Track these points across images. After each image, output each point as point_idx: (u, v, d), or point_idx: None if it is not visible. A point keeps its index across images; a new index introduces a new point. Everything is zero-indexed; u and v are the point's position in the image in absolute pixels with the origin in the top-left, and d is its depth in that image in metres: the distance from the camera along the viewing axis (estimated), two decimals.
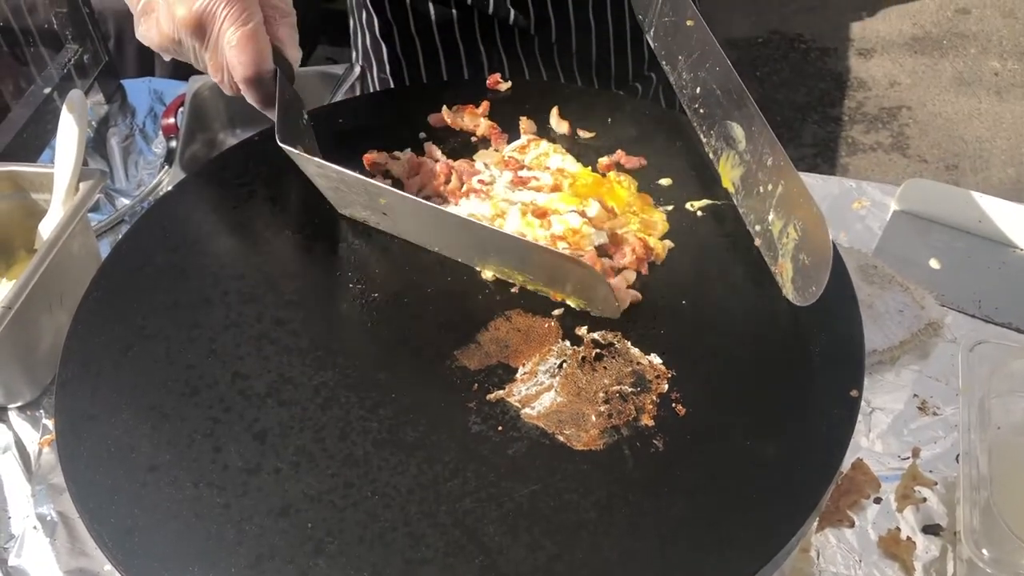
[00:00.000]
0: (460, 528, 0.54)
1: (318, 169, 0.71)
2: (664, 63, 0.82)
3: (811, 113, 2.76)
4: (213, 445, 0.59)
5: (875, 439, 0.86)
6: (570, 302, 0.67)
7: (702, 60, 0.76)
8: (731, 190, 0.74)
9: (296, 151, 0.69)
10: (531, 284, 0.69)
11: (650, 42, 0.85)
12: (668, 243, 0.72)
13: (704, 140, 0.77)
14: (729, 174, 0.74)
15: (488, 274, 0.70)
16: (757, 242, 0.70)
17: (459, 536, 0.54)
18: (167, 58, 0.74)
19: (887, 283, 0.96)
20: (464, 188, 0.75)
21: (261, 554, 0.54)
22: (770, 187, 0.68)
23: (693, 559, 0.53)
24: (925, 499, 0.81)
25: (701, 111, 0.77)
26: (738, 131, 0.72)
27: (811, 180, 1.11)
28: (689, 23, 0.79)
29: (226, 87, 0.72)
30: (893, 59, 2.96)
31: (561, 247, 0.69)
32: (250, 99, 0.72)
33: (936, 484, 0.82)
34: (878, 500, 0.82)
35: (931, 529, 0.79)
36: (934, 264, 1.01)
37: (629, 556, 0.53)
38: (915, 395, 0.89)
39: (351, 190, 0.71)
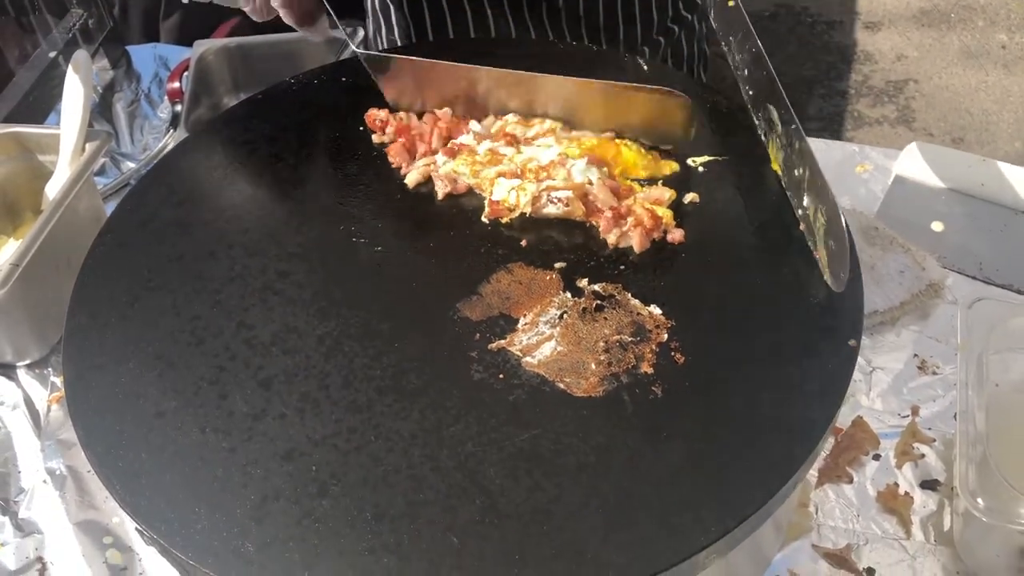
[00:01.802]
0: (462, 471, 0.55)
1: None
2: (723, 44, 0.83)
3: (817, 87, 2.75)
4: (219, 392, 0.60)
5: (875, 397, 0.87)
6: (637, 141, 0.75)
7: (744, 41, 0.76)
8: (779, 172, 0.74)
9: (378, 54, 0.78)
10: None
11: (712, 22, 0.85)
12: (671, 212, 0.72)
13: (756, 123, 0.77)
14: (776, 156, 0.74)
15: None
16: (801, 227, 0.70)
17: (461, 479, 0.55)
18: None
19: (889, 245, 0.96)
20: (448, 145, 0.76)
21: (266, 496, 0.55)
22: (801, 170, 0.69)
23: (690, 501, 0.54)
24: (923, 455, 0.82)
25: (751, 92, 0.77)
26: (775, 114, 0.73)
27: (815, 144, 1.10)
28: (731, 3, 0.79)
29: (258, 13, 0.79)
30: (900, 32, 2.94)
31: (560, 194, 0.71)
32: (287, 19, 0.80)
33: (935, 441, 0.83)
34: (877, 457, 0.82)
35: (929, 484, 0.80)
36: (936, 227, 1.01)
37: (627, 498, 0.54)
38: (915, 355, 0.90)
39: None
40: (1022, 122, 2.57)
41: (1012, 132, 2.55)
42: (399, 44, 1.11)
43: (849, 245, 0.63)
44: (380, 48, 1.14)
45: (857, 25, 2.99)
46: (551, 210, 0.71)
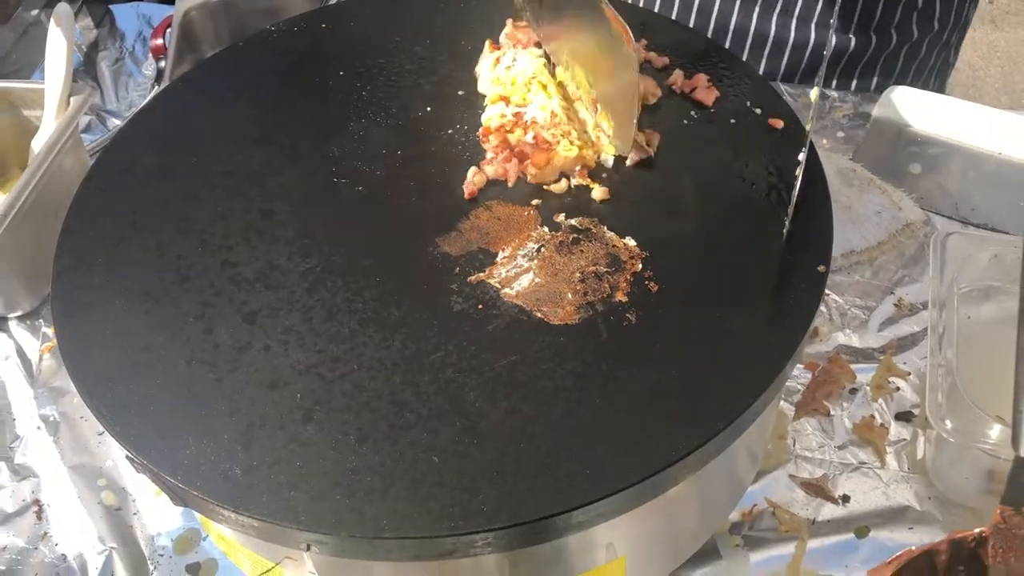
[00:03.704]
0: (442, 396, 0.57)
1: None
2: None
3: None
4: (204, 327, 0.62)
5: (852, 334, 0.88)
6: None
7: None
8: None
9: None
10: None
11: None
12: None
13: None
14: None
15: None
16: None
17: (441, 403, 0.56)
18: None
19: (866, 186, 0.97)
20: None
21: (252, 423, 0.56)
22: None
23: (663, 420, 0.55)
24: (899, 388, 0.84)
25: None
26: None
27: (793, 90, 1.12)
28: None
29: None
30: None
31: None
32: None
33: (909, 375, 0.85)
34: (853, 391, 0.84)
35: (903, 416, 0.82)
36: (914, 169, 1.02)
37: (602, 419, 0.55)
38: (892, 292, 0.92)
39: None
40: (1008, 77, 2.58)
41: (999, 87, 2.55)
42: None
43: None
44: None
45: None
46: (501, 168, 0.71)
